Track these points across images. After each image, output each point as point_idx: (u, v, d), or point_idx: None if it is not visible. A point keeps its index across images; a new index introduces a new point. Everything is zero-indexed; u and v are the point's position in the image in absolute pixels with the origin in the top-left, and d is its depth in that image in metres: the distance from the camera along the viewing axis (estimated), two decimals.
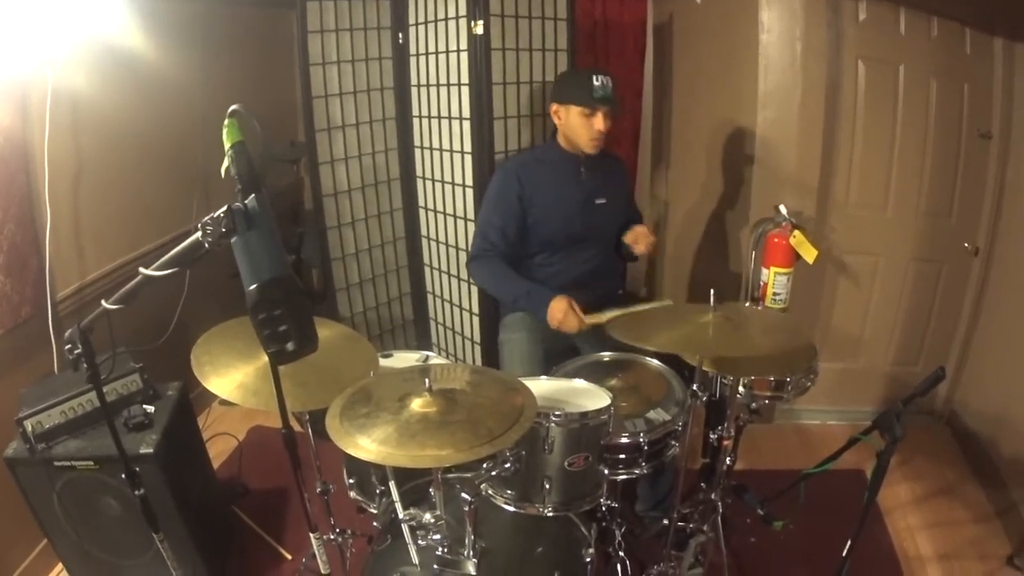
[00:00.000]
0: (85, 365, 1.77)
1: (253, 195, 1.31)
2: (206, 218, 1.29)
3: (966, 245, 3.48)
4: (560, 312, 2.64)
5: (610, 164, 3.03)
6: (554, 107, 2.86)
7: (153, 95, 3.42)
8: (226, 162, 1.37)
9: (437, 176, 3.60)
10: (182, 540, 2.51)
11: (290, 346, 1.30)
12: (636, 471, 2.15)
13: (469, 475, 1.98)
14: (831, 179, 3.44)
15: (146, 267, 1.50)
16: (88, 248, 3.09)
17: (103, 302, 1.61)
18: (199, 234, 1.32)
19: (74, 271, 3.02)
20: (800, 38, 3.23)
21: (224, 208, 1.28)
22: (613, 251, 3.10)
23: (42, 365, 2.79)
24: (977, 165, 3.40)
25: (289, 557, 2.93)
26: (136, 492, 1.98)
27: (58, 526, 2.51)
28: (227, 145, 1.39)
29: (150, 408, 2.53)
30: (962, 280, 3.61)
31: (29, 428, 2.33)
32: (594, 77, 2.71)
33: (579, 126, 2.79)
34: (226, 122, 1.40)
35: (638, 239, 2.92)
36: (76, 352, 1.76)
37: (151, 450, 2.38)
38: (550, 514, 2.09)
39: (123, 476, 1.96)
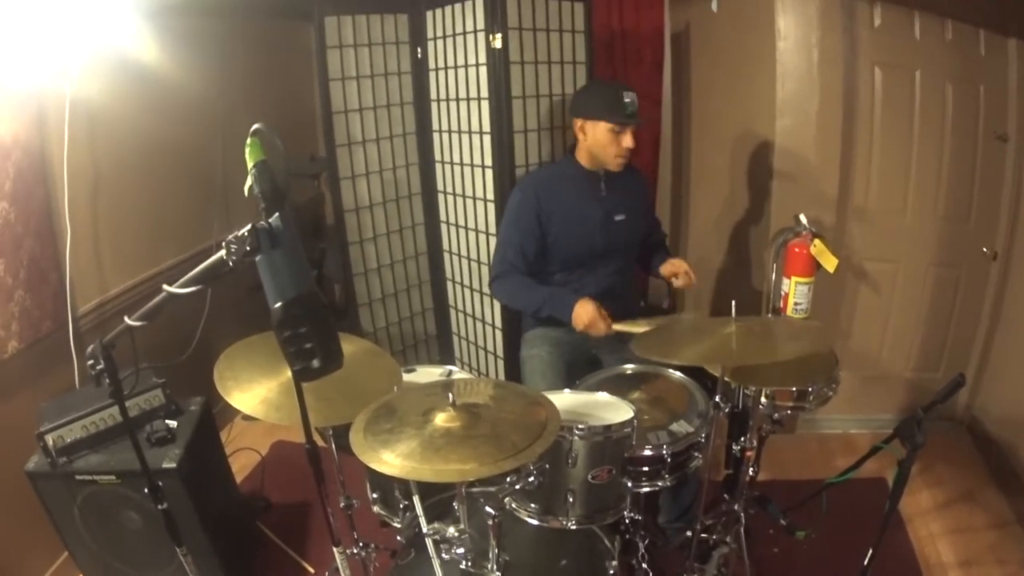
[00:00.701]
0: (107, 381, 1.77)
1: (277, 214, 1.32)
2: (230, 236, 1.29)
3: (984, 249, 3.46)
4: (587, 315, 2.62)
5: (629, 178, 2.97)
6: (579, 123, 2.80)
7: (172, 109, 3.44)
8: (249, 181, 1.37)
9: (458, 190, 3.61)
10: (205, 554, 2.53)
11: (315, 363, 1.30)
12: (659, 483, 2.14)
13: (493, 489, 1.97)
14: (850, 186, 3.42)
15: (168, 283, 1.50)
16: (108, 263, 3.11)
17: (126, 318, 1.62)
18: (223, 252, 1.32)
19: (94, 286, 3.03)
20: (816, 45, 3.22)
21: (248, 227, 1.28)
22: (633, 265, 3.10)
23: (63, 379, 2.81)
24: (994, 168, 3.38)
25: (312, 571, 2.93)
26: (159, 506, 1.98)
27: (79, 539, 2.53)
28: (250, 164, 1.39)
29: (172, 423, 2.55)
30: (981, 285, 3.59)
31: (50, 442, 2.35)
32: (624, 94, 2.68)
33: (607, 143, 2.75)
34: (248, 141, 1.40)
35: (678, 274, 2.86)
36: (98, 368, 1.76)
37: (174, 465, 2.40)
38: (574, 527, 2.07)
39: (146, 490, 1.96)
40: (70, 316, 2.83)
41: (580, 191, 2.88)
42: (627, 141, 2.73)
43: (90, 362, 1.76)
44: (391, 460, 1.64)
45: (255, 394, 1.96)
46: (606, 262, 2.92)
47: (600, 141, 2.77)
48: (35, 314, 2.65)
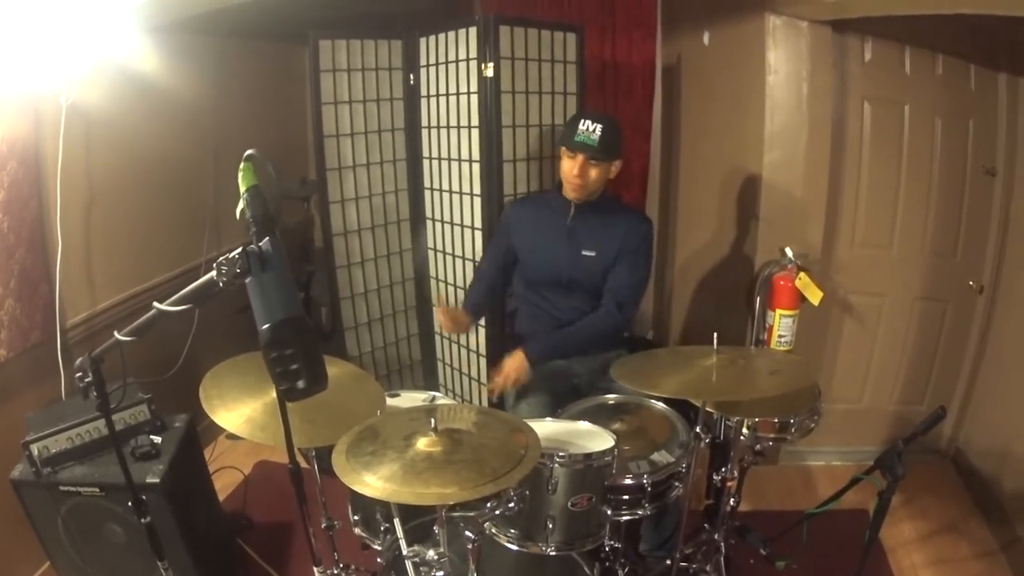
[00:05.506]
0: (95, 394, 1.78)
1: (268, 238, 1.34)
2: (221, 258, 1.31)
3: (971, 283, 3.47)
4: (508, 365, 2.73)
5: (609, 218, 2.84)
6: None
7: (167, 125, 3.46)
8: (241, 205, 1.40)
9: (446, 217, 3.63)
10: (186, 570, 2.52)
11: (301, 384, 1.32)
12: (639, 512, 2.16)
13: (473, 513, 1.98)
14: (837, 220, 3.44)
15: (158, 300, 1.52)
16: (98, 277, 3.11)
17: (116, 333, 1.63)
18: (214, 273, 1.34)
19: (84, 299, 3.04)
20: (807, 79, 3.25)
21: (239, 249, 1.31)
22: (598, 302, 3.04)
23: (49, 391, 2.82)
24: (982, 202, 3.41)
25: None
26: (143, 520, 1.99)
27: (61, 549, 2.53)
28: (242, 188, 1.41)
29: (157, 439, 2.54)
30: (967, 318, 3.60)
31: (35, 452, 2.35)
32: (581, 121, 2.66)
33: (563, 168, 2.75)
34: (241, 166, 1.43)
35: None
36: (86, 380, 1.77)
37: (157, 480, 2.40)
38: (553, 553, 2.08)
39: (129, 504, 1.97)
40: (58, 328, 2.83)
41: (548, 218, 2.87)
42: (568, 166, 2.70)
43: (78, 374, 1.77)
44: (373, 482, 1.66)
45: (240, 413, 1.97)
46: (572, 293, 2.89)
47: (561, 167, 2.77)
48: (24, 324, 2.66)
